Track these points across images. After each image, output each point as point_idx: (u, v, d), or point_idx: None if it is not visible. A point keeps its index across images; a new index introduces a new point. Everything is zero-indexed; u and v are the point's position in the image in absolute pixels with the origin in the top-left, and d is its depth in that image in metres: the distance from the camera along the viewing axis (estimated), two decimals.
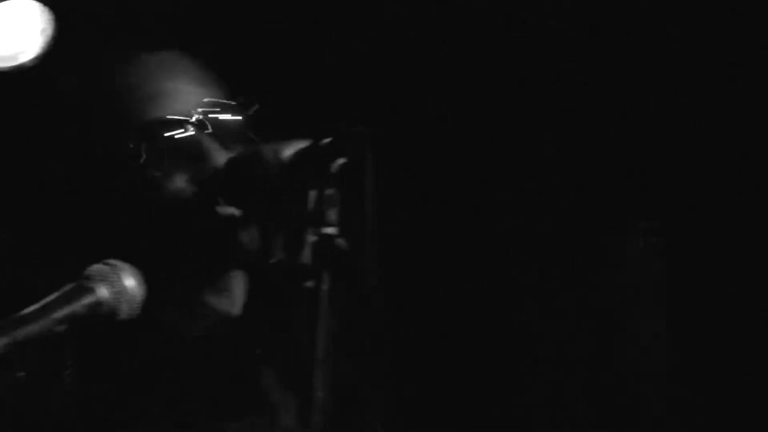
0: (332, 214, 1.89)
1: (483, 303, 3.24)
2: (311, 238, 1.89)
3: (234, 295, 2.18)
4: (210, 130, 2.17)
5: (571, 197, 3.24)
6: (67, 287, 1.75)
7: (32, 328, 1.69)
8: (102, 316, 1.76)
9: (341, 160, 1.91)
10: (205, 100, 2.19)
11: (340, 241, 1.89)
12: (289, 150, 2.01)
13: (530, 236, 3.25)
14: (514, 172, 3.24)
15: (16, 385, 1.69)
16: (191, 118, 2.17)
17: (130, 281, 1.78)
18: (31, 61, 2.48)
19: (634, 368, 3.29)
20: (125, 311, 1.78)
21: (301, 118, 2.16)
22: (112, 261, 1.78)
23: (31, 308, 1.71)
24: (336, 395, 1.84)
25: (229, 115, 2.19)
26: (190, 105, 2.19)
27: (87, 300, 1.74)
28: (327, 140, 1.94)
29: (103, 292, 1.75)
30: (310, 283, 1.87)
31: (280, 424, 2.10)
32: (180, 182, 2.16)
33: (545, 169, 3.23)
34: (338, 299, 1.84)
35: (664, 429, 3.24)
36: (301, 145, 2.01)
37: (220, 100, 2.20)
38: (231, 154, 2.15)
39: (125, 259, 1.79)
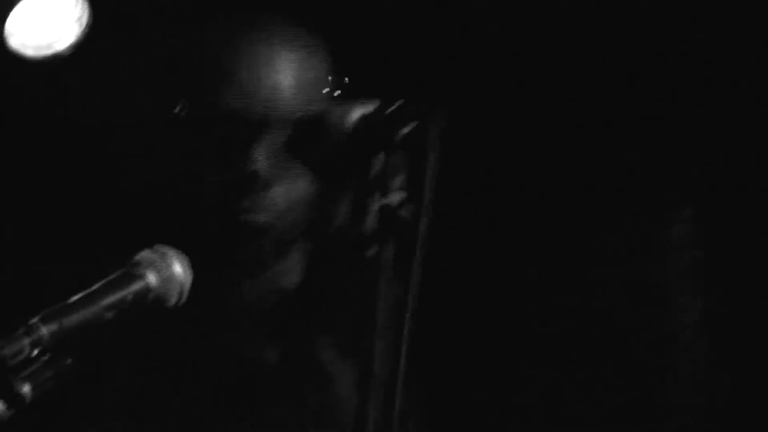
0: (398, 182, 1.85)
1: (520, 289, 3.22)
2: (375, 205, 1.86)
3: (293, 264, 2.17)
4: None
5: (608, 184, 3.22)
6: (115, 274, 1.73)
7: (80, 316, 1.67)
8: (150, 303, 1.74)
9: (410, 126, 1.87)
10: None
11: (405, 210, 1.85)
12: (356, 113, 1.96)
13: (564, 224, 3.23)
14: (559, 157, 3.21)
15: (64, 372, 1.67)
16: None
17: (178, 268, 1.76)
18: (66, 50, 2.46)
19: (673, 357, 3.26)
20: (173, 298, 1.76)
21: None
22: (160, 247, 1.77)
23: (79, 295, 1.69)
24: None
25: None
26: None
27: (135, 287, 1.72)
28: (397, 104, 1.90)
29: (151, 278, 1.73)
30: (372, 252, 1.83)
31: (336, 395, 2.09)
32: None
33: (585, 155, 3.21)
34: (400, 269, 1.81)
35: (705, 423, 3.22)
36: (369, 106, 1.96)
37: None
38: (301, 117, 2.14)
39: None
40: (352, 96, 2.03)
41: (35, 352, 1.63)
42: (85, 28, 2.46)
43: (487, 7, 3.10)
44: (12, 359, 1.60)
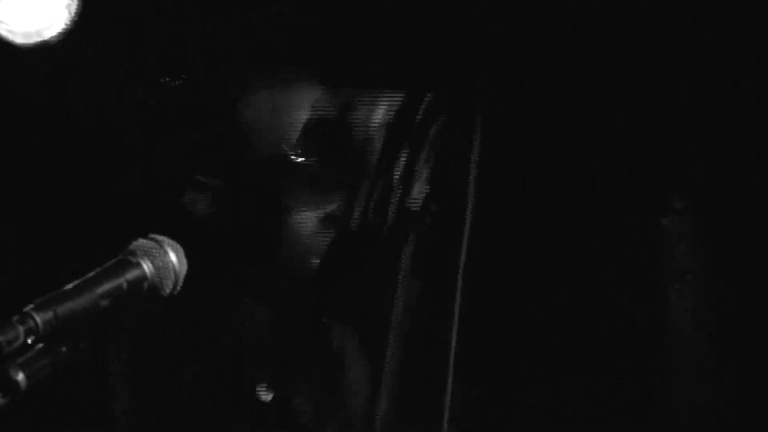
0: (424, 177, 1.87)
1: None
2: (399, 200, 1.85)
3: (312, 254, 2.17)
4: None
5: (602, 177, 3.22)
6: (111, 262, 1.72)
7: (74, 304, 1.66)
8: (145, 291, 1.73)
9: (439, 122, 1.87)
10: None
11: (432, 206, 1.84)
12: (382, 108, 2.00)
13: (564, 222, 3.23)
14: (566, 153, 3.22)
15: (59, 361, 1.66)
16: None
17: (174, 256, 1.75)
18: (55, 36, 2.45)
19: (667, 349, 3.27)
20: (169, 287, 1.75)
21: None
22: (155, 236, 1.76)
23: (74, 283, 1.68)
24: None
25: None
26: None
27: (130, 275, 1.71)
28: (426, 99, 1.91)
29: (146, 266, 1.73)
30: (393, 246, 1.84)
31: (347, 386, 2.08)
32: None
33: (581, 149, 3.21)
34: (420, 264, 1.81)
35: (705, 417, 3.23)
36: (395, 100, 1.98)
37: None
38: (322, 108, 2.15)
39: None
40: (378, 90, 2.00)
41: (30, 339, 1.62)
42: (74, 15, 2.44)
43: (490, 6, 3.11)
44: (7, 347, 1.59)
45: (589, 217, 3.26)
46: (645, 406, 3.24)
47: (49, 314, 1.63)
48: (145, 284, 1.73)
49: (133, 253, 1.73)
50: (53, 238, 3.19)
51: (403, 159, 1.91)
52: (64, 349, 1.67)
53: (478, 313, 2.63)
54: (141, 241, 1.75)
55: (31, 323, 1.61)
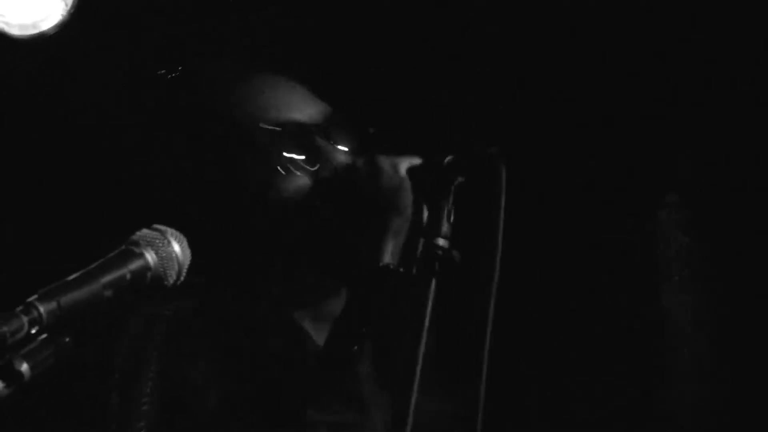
0: (446, 227, 2.01)
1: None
2: (423, 247, 2.00)
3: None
4: (332, 140, 2.29)
5: (600, 179, 3.23)
6: (114, 252, 1.71)
7: (78, 294, 1.65)
8: (149, 282, 1.72)
9: (460, 179, 2.06)
10: (327, 112, 2.32)
11: (454, 253, 2.00)
12: (405, 164, 2.16)
13: (560, 217, 3.24)
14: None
15: (63, 351, 1.64)
16: (317, 124, 2.29)
17: (177, 246, 1.74)
18: (52, 29, 2.44)
19: (667, 350, 3.28)
20: (172, 277, 1.74)
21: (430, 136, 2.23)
22: (159, 226, 1.75)
23: (78, 273, 1.67)
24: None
25: (351, 128, 2.31)
26: (314, 114, 2.31)
27: (134, 265, 1.70)
28: (449, 158, 2.07)
29: (149, 257, 1.71)
30: (416, 291, 1.94)
31: (371, 422, 2.11)
32: (302, 180, 2.26)
33: (579, 151, 3.22)
34: (442, 308, 1.89)
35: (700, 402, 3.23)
36: (416, 160, 2.16)
37: (341, 116, 2.32)
38: (352, 162, 2.26)
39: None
40: (402, 149, 2.21)
41: (33, 330, 1.61)
42: (71, 7, 2.43)
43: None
44: (11, 337, 1.58)
45: (587, 220, 3.26)
46: (645, 407, 3.25)
47: (53, 304, 1.62)
48: (149, 275, 1.71)
49: (137, 244, 1.71)
50: (53, 238, 3.18)
51: (427, 209, 2.08)
52: (67, 339, 1.66)
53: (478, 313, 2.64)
54: (144, 231, 1.73)
55: (35, 313, 1.60)
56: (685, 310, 3.27)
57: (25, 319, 1.59)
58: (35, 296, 1.62)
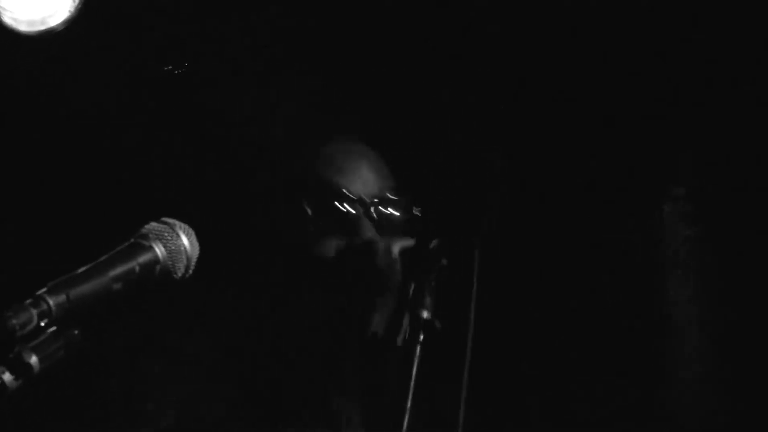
0: (429, 301, 2.27)
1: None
2: (409, 319, 2.25)
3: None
4: (375, 219, 2.58)
5: (597, 172, 3.23)
6: (123, 245, 1.71)
7: (87, 287, 1.65)
8: (157, 275, 1.72)
9: (444, 261, 2.34)
10: (379, 191, 2.60)
11: (436, 323, 2.25)
12: (398, 246, 2.51)
13: (560, 217, 3.24)
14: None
15: (72, 344, 1.65)
16: (365, 199, 2.57)
17: (186, 240, 1.74)
18: (60, 24, 2.44)
19: (667, 350, 3.28)
20: (181, 270, 1.74)
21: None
22: (167, 219, 1.75)
23: (87, 266, 1.67)
24: None
25: (394, 211, 2.61)
26: (367, 189, 2.59)
27: (143, 258, 1.70)
28: (434, 242, 2.37)
29: (158, 250, 1.71)
30: (403, 357, 2.20)
31: None
32: (329, 247, 2.57)
33: (580, 151, 3.23)
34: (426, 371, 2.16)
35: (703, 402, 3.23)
36: (408, 242, 2.50)
37: (391, 196, 2.61)
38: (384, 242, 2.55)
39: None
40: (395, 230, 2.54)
41: (43, 323, 1.61)
42: (79, 3, 2.43)
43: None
44: (20, 329, 1.58)
45: (588, 219, 3.26)
46: (645, 407, 3.25)
47: (62, 297, 1.62)
48: (158, 267, 1.71)
49: (146, 237, 1.71)
50: (53, 237, 3.18)
51: (412, 286, 2.31)
52: (76, 332, 1.66)
53: (478, 313, 2.66)
54: (153, 224, 1.73)
55: (44, 306, 1.60)
56: (686, 307, 3.27)
57: (34, 311, 1.59)
58: (44, 289, 1.62)
